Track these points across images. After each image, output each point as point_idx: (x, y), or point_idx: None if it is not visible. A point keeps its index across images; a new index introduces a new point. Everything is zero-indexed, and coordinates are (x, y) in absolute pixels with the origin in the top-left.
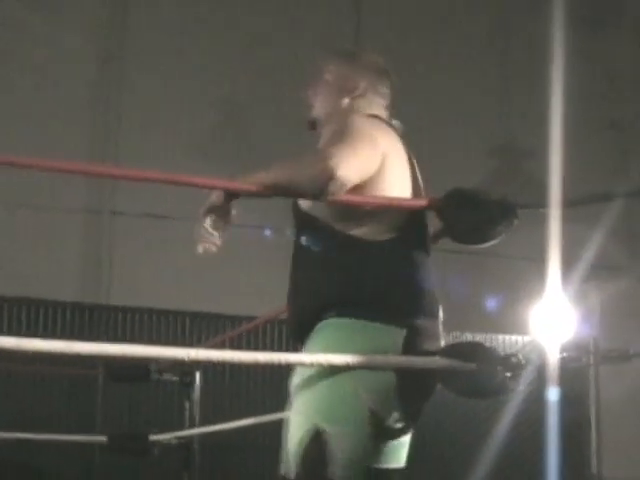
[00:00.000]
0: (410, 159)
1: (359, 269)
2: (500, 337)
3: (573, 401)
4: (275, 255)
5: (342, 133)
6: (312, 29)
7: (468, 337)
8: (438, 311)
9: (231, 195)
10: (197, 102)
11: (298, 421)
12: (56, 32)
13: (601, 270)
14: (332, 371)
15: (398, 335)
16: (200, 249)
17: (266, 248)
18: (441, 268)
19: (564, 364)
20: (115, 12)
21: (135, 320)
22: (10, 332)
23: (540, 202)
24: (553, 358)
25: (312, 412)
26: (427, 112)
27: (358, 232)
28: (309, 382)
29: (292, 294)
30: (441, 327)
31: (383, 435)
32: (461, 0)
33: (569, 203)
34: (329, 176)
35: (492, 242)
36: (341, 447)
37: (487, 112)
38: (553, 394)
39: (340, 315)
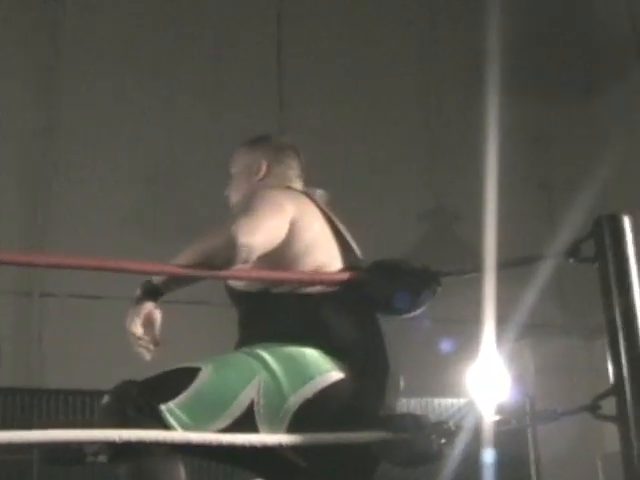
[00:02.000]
0: (333, 223)
1: (299, 320)
2: (436, 401)
3: (512, 462)
4: (210, 331)
5: (248, 204)
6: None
7: (403, 402)
8: (376, 367)
9: (155, 294)
10: (130, 173)
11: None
12: None
13: (534, 329)
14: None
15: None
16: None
17: (200, 325)
18: None
19: (500, 426)
20: (46, 84)
21: (69, 402)
22: None
23: (464, 268)
24: (489, 420)
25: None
26: (356, 178)
27: (288, 289)
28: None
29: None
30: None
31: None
32: (388, 64)
33: (500, 266)
34: (233, 244)
35: (417, 311)
36: None
37: (416, 176)
38: (489, 456)
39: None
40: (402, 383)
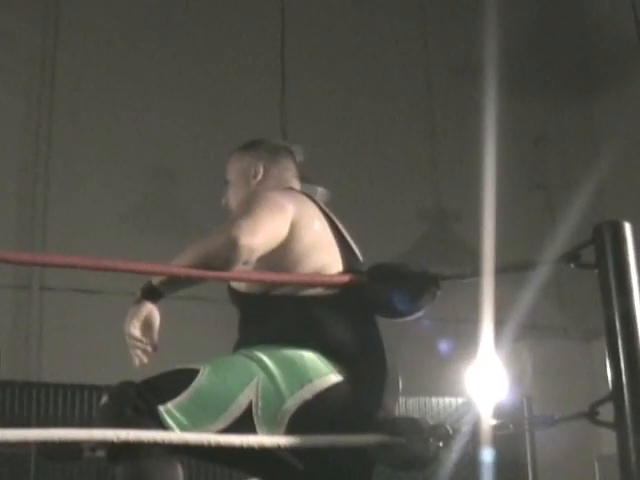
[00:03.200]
0: (333, 224)
1: (301, 322)
2: (434, 400)
3: (509, 464)
4: (210, 327)
5: (247, 203)
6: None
7: (402, 401)
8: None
9: (155, 296)
10: (128, 170)
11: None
12: None
13: (532, 330)
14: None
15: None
16: (136, 361)
17: (198, 321)
18: None
19: (497, 430)
20: (43, 76)
21: (67, 397)
22: None
23: (463, 272)
24: (486, 421)
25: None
26: (356, 178)
27: (288, 291)
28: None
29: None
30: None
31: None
32: (389, 65)
33: (499, 270)
34: (234, 245)
35: (417, 315)
36: None
37: (415, 177)
38: (487, 457)
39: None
40: (401, 385)
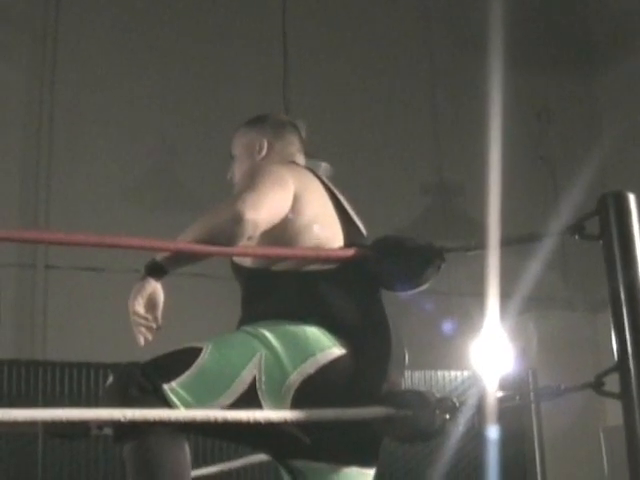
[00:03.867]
0: (335, 197)
1: (306, 296)
2: (439, 373)
3: (515, 436)
4: (214, 304)
5: (250, 177)
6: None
7: (407, 375)
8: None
9: (159, 273)
10: (130, 148)
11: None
12: None
13: (538, 302)
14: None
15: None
16: (140, 339)
17: (202, 298)
18: None
19: (503, 402)
20: (45, 53)
21: (73, 375)
22: None
23: (467, 244)
24: (492, 394)
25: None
26: (359, 152)
27: (290, 266)
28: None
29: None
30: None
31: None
32: (391, 40)
33: (504, 242)
34: (239, 220)
35: (421, 288)
36: None
37: (417, 150)
38: (492, 431)
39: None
40: (406, 359)
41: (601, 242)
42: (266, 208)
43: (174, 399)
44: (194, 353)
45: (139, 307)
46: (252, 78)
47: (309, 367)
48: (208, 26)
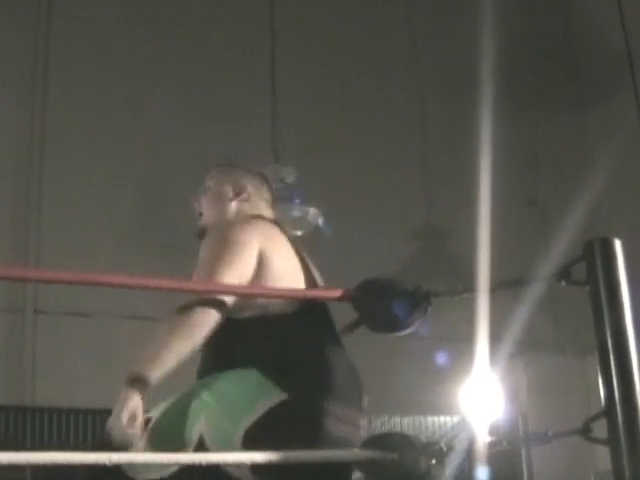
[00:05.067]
0: (299, 252)
1: (263, 342)
2: (429, 419)
3: None
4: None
5: (214, 252)
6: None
7: (397, 420)
8: (350, 391)
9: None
10: (117, 189)
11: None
12: None
13: (527, 346)
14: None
15: (275, 397)
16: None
17: None
18: (365, 351)
19: (492, 447)
20: (33, 98)
21: (62, 420)
22: None
23: (456, 289)
24: (482, 438)
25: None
26: (348, 195)
27: (250, 314)
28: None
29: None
30: (354, 410)
31: None
32: (381, 80)
33: (493, 287)
34: (212, 314)
35: (407, 331)
36: None
37: (407, 195)
38: (483, 475)
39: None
40: (365, 400)
41: (588, 288)
42: (235, 279)
43: (131, 472)
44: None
45: (127, 427)
46: (241, 119)
47: (250, 419)
48: (198, 67)
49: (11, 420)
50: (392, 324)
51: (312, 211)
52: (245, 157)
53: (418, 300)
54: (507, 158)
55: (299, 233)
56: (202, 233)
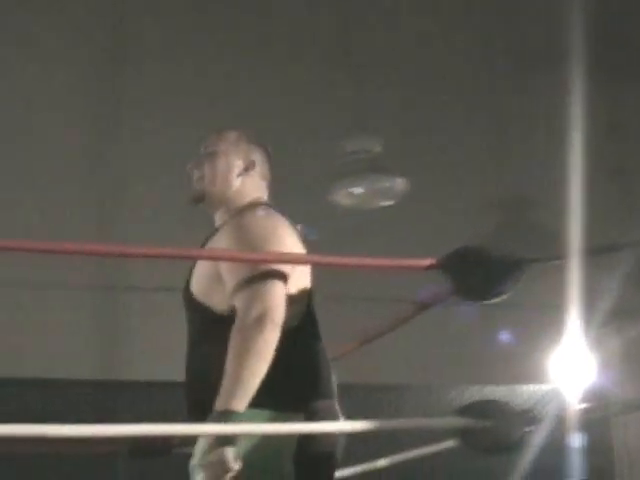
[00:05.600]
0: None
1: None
2: (521, 388)
3: (597, 449)
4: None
5: (251, 265)
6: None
7: (488, 390)
8: (335, 392)
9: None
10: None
11: None
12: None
13: (619, 315)
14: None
15: (295, 420)
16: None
17: None
18: (457, 322)
19: (585, 414)
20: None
21: (156, 394)
22: (27, 415)
23: (547, 255)
24: (573, 407)
25: None
26: (427, 169)
27: None
28: None
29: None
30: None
31: None
32: (458, 52)
33: (586, 253)
34: (271, 324)
35: (501, 298)
36: None
37: (487, 165)
38: (575, 443)
39: None
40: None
41: None
42: (280, 292)
43: None
44: None
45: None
46: (323, 89)
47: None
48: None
49: (107, 395)
50: (486, 292)
51: (400, 181)
52: (330, 126)
53: (512, 267)
54: (591, 126)
55: (387, 204)
56: (199, 198)
